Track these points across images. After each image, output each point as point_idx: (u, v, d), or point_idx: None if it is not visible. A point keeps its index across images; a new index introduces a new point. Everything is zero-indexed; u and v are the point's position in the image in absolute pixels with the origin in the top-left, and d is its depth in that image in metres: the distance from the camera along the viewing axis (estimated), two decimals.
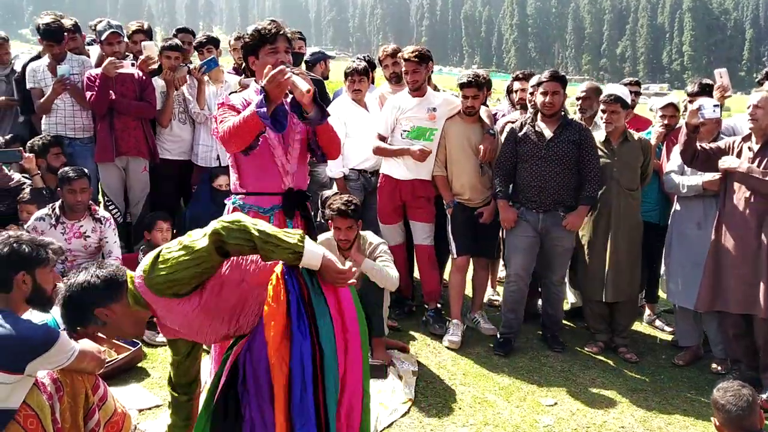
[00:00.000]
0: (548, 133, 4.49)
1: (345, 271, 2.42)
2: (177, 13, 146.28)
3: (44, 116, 5.28)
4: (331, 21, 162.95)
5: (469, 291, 5.19)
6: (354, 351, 2.48)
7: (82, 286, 2.35)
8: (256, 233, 2.28)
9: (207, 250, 2.28)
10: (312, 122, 3.12)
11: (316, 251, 2.38)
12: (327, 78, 6.49)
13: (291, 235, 2.34)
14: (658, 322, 5.41)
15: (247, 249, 2.32)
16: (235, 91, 5.40)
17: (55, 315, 2.94)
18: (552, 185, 4.49)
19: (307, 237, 2.39)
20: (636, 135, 4.72)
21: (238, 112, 3.05)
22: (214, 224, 2.31)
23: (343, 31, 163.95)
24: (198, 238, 2.31)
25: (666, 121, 5.06)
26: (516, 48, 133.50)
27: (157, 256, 2.35)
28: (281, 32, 3.15)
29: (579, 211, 4.54)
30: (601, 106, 4.65)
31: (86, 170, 4.61)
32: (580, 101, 5.24)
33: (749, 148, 4.21)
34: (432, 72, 5.05)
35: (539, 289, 5.01)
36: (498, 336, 4.68)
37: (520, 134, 4.53)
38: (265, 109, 2.87)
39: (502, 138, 4.72)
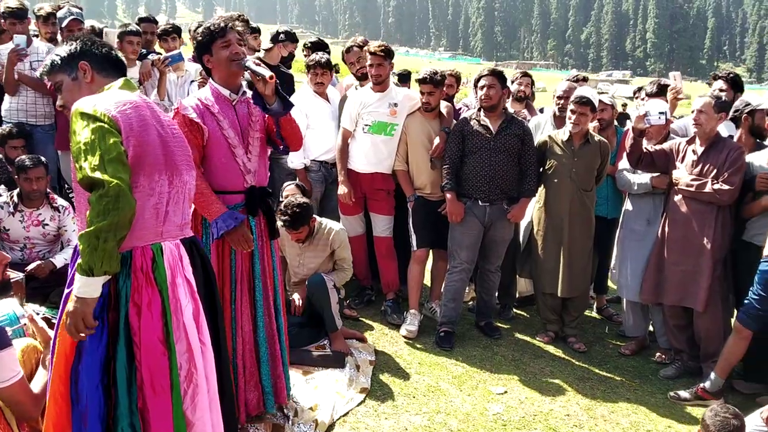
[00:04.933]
0: (494, 127, 4.66)
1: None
2: None
3: (6, 101, 5.21)
4: None
5: (427, 281, 5.33)
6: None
7: (86, 37, 2.50)
8: (104, 227, 2.07)
9: (84, 174, 2.12)
10: (275, 113, 3.15)
11: (87, 296, 2.14)
12: (292, 57, 6.28)
13: (108, 261, 2.11)
14: (606, 312, 5.64)
15: (90, 214, 2.12)
16: (195, 80, 5.42)
17: (14, 308, 2.96)
18: (500, 175, 4.66)
19: (105, 278, 2.16)
20: (597, 137, 4.85)
21: (189, 129, 3.07)
22: (112, 181, 2.09)
23: (309, 9, 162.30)
24: (95, 164, 2.11)
25: (599, 116, 5.13)
26: (482, 31, 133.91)
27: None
28: (229, 26, 3.16)
29: (521, 203, 4.76)
30: (570, 107, 4.77)
31: (43, 159, 4.58)
32: (562, 101, 5.31)
33: (693, 151, 4.40)
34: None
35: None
36: (438, 330, 4.81)
37: (466, 129, 4.69)
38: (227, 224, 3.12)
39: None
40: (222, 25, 3.13)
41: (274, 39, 5.65)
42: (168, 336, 2.32)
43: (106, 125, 2.20)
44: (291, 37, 5.84)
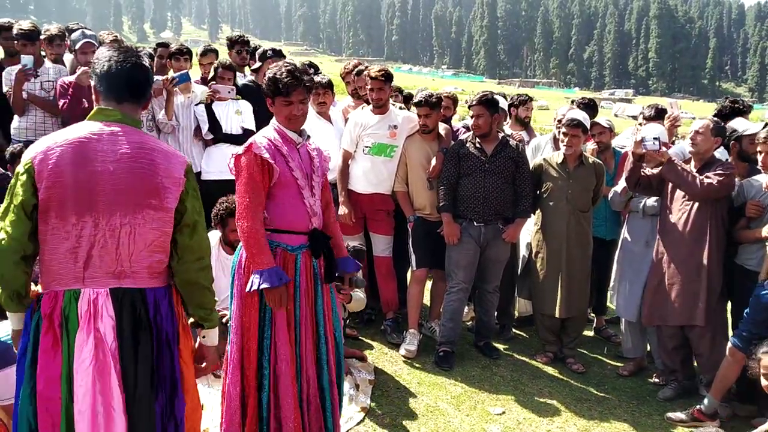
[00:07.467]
0: (489, 150, 4.76)
1: None
2: (144, 3, 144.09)
3: (15, 121, 5.29)
4: (302, 17, 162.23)
5: (427, 301, 5.38)
6: None
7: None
8: None
9: None
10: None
11: (15, 327, 2.38)
12: None
13: (8, 306, 2.32)
14: (605, 333, 5.67)
15: None
16: (202, 102, 5.49)
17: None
18: (494, 196, 4.74)
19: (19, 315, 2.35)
20: (591, 159, 4.93)
21: (259, 168, 3.04)
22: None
23: (313, 27, 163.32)
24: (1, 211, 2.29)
25: (597, 139, 5.26)
26: (486, 50, 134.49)
27: None
28: (297, 84, 3.07)
29: (516, 223, 4.85)
30: (563, 129, 4.85)
31: None
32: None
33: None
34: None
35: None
36: (437, 350, 4.85)
37: (462, 151, 4.78)
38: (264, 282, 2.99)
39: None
40: (288, 82, 3.06)
41: (263, 57, 5.69)
42: (64, 380, 2.28)
43: (23, 172, 2.24)
44: (278, 53, 5.93)
